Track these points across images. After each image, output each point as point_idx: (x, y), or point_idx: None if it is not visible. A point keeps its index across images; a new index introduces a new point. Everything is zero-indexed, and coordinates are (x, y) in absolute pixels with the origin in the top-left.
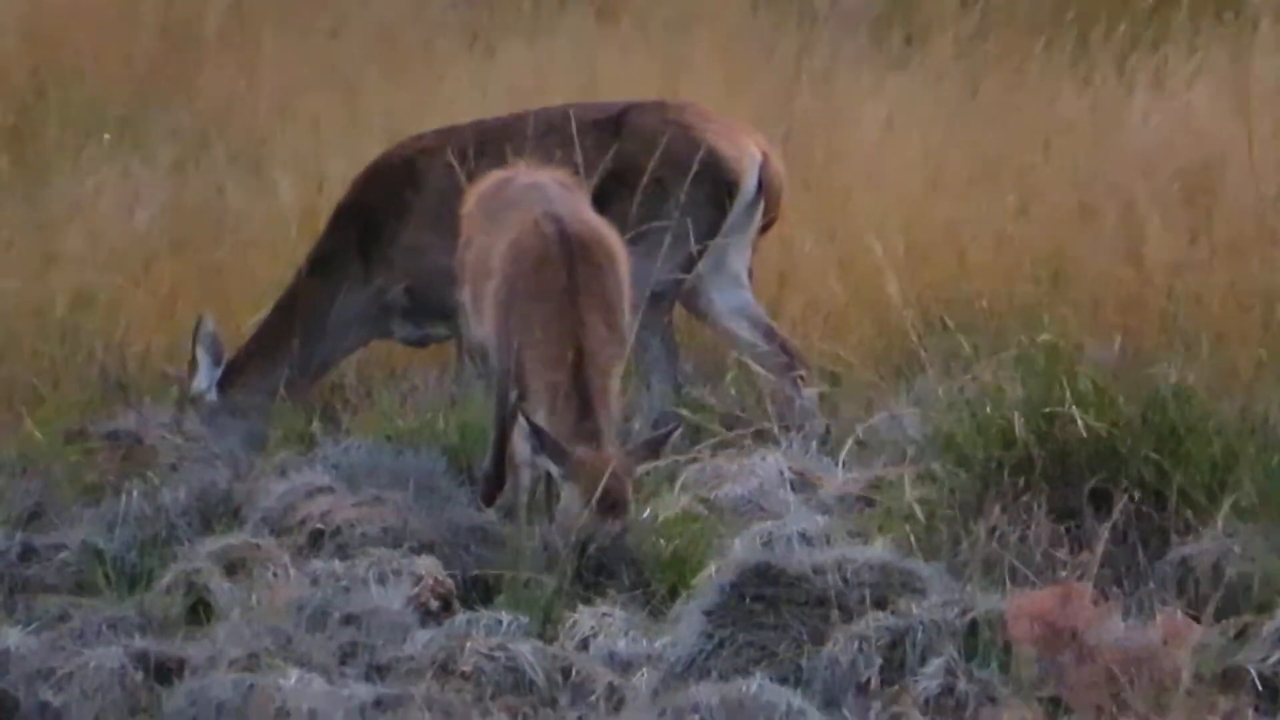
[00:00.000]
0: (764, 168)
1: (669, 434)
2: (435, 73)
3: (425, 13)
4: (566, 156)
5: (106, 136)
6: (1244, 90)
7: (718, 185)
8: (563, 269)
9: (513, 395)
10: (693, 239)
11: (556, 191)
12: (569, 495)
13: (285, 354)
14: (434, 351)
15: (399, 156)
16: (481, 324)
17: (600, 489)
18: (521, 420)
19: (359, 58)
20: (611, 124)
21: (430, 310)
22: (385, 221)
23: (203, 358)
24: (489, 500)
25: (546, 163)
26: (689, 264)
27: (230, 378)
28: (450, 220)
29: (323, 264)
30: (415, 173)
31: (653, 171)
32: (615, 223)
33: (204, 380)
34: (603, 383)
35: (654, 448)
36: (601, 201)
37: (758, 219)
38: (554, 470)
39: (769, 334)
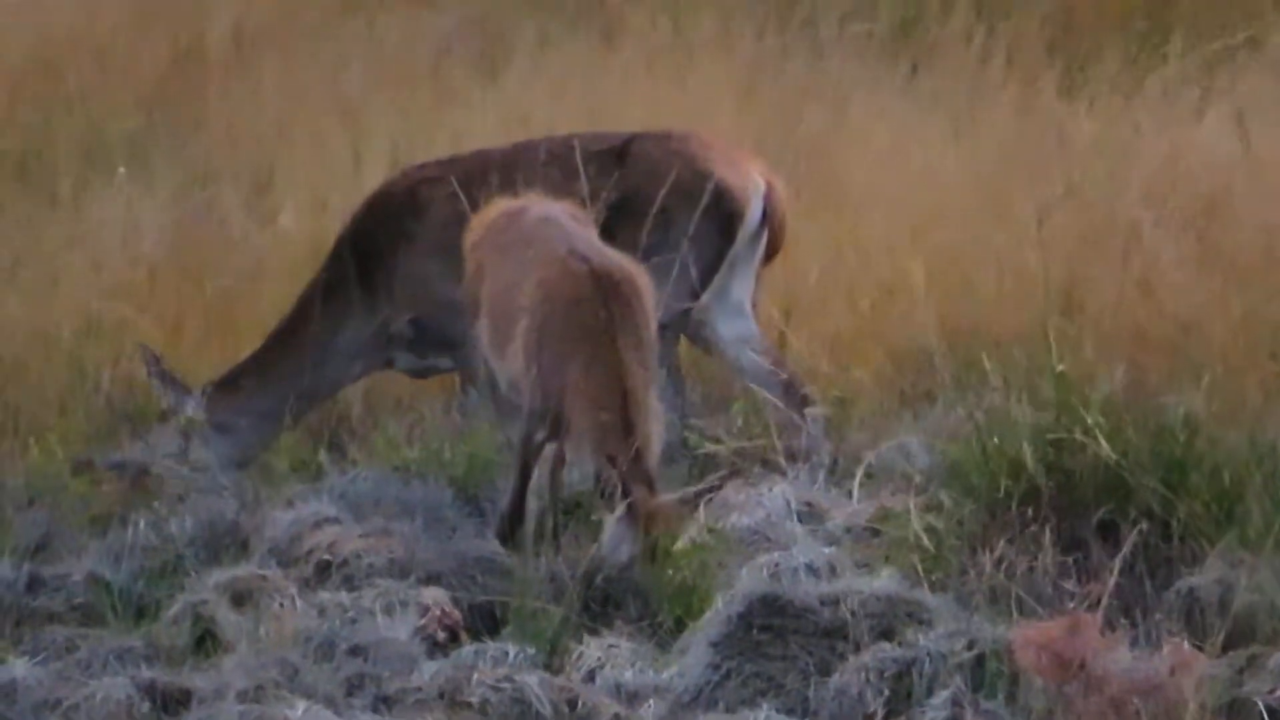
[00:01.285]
0: (768, 197)
1: (721, 484)
2: (441, 98)
3: (431, 38)
4: (571, 187)
5: (122, 170)
6: (1248, 118)
7: (723, 215)
8: (600, 309)
9: (540, 433)
10: (698, 270)
11: (574, 227)
12: (628, 538)
13: (279, 380)
14: (440, 382)
15: (401, 186)
16: (503, 360)
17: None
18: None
19: (364, 84)
20: (616, 154)
21: (434, 341)
22: (388, 251)
23: (159, 387)
24: (506, 538)
25: (551, 193)
26: (694, 295)
27: (219, 399)
28: (454, 250)
29: (325, 293)
30: (418, 202)
31: (659, 202)
32: (623, 250)
33: (181, 403)
34: (647, 424)
35: (703, 496)
36: (607, 233)
37: (761, 248)
38: (615, 513)
39: (775, 362)
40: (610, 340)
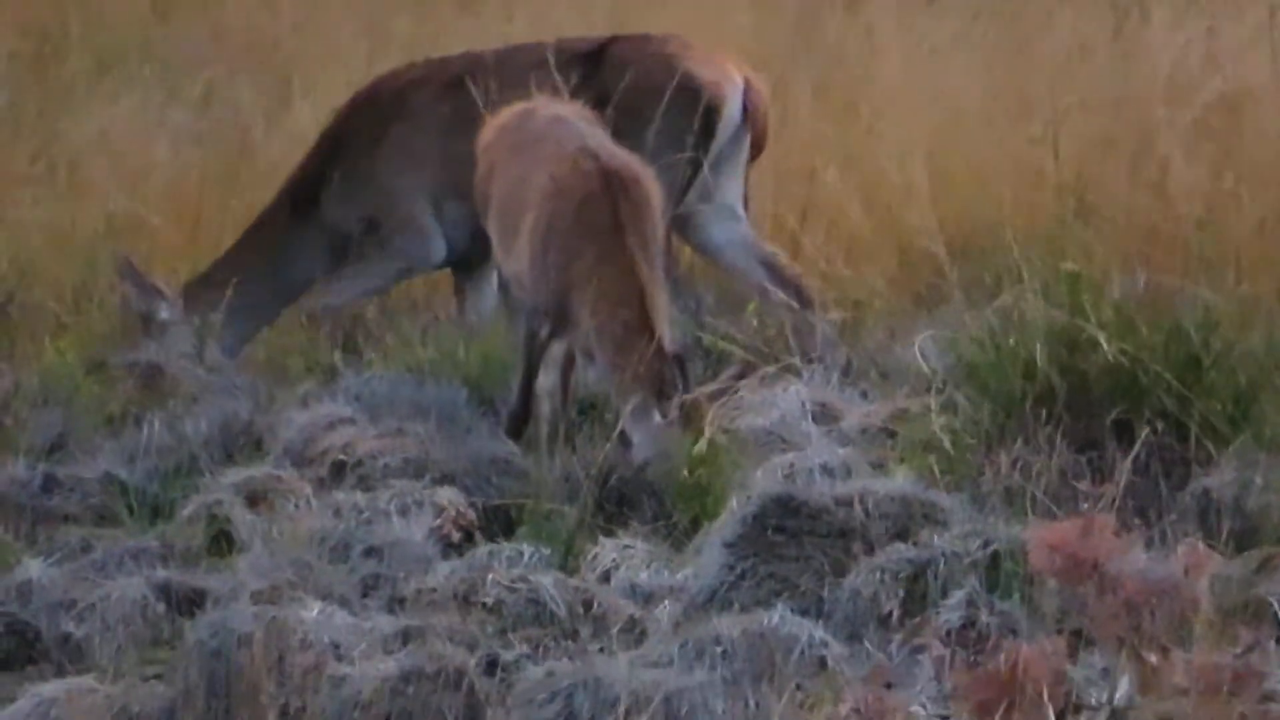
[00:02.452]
0: (747, 93)
1: (740, 379)
2: (460, 2)
3: None
4: (553, 89)
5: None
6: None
7: (703, 113)
8: (608, 207)
9: (544, 329)
10: (682, 170)
11: (585, 127)
12: (665, 435)
13: (253, 276)
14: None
15: (386, 85)
16: (509, 257)
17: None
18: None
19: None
20: (595, 57)
21: (378, 242)
22: (366, 151)
23: (134, 292)
24: (515, 434)
25: (527, 94)
26: (680, 194)
27: (194, 297)
28: (432, 153)
29: (302, 190)
30: (401, 101)
31: (636, 100)
32: None
33: (155, 308)
34: (661, 323)
35: (729, 390)
36: None
37: (745, 148)
38: (651, 411)
39: (770, 265)
40: (620, 238)
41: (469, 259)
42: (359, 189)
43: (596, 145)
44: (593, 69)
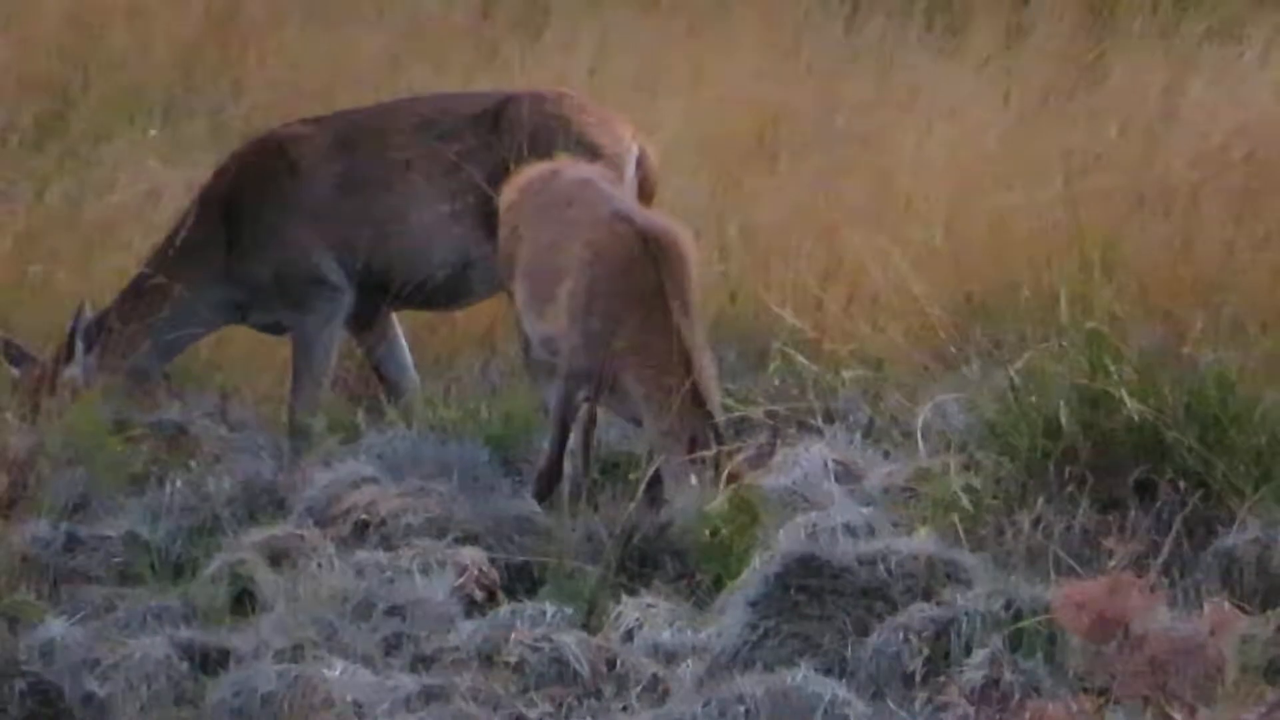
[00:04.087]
0: (641, 159)
1: (772, 444)
2: (482, 58)
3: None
4: (445, 149)
5: (153, 132)
6: None
7: None
8: (648, 272)
9: (582, 394)
10: None
11: (613, 189)
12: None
13: (142, 338)
14: (477, 340)
15: (271, 143)
16: (541, 321)
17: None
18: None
19: (404, 44)
20: (490, 118)
21: (290, 299)
22: (254, 207)
23: (79, 346)
24: (544, 496)
25: (425, 155)
26: None
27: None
28: (321, 210)
29: (187, 250)
30: (289, 160)
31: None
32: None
33: (78, 367)
34: (710, 385)
35: (765, 457)
36: (486, 198)
37: None
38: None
39: None
40: (662, 303)
41: (365, 316)
42: (263, 245)
43: (629, 209)
44: (489, 132)
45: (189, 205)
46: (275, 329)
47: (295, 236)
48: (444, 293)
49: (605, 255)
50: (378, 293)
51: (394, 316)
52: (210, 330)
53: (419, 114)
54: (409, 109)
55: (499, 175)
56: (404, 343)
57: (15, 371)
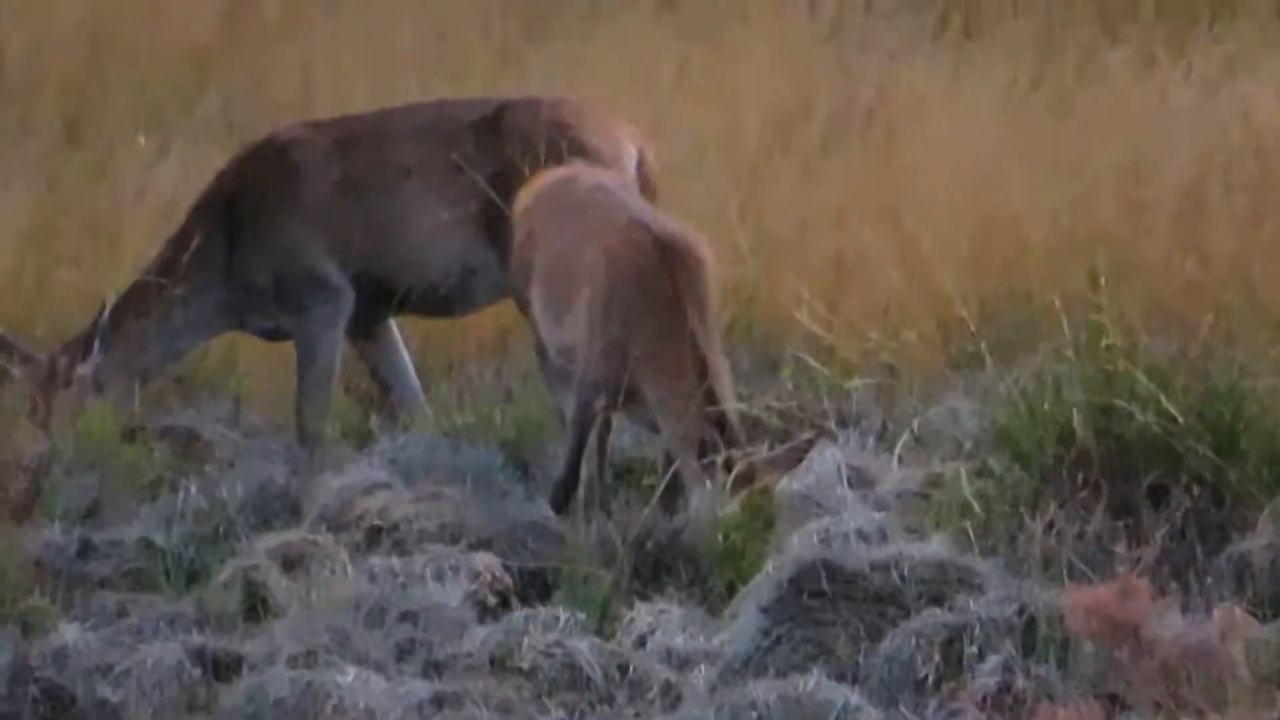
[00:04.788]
0: (640, 164)
1: (808, 444)
2: (493, 61)
3: (482, 2)
4: (444, 156)
5: (141, 139)
6: None
7: None
8: (665, 279)
9: (600, 402)
10: None
11: (628, 195)
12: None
13: (144, 341)
14: (490, 345)
15: (271, 146)
16: (559, 328)
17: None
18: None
19: (416, 46)
20: (489, 124)
21: (290, 303)
22: (255, 211)
23: (97, 348)
24: (561, 505)
25: (424, 161)
26: None
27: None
28: (322, 213)
29: (188, 254)
30: (290, 163)
31: (532, 171)
32: (506, 225)
33: (89, 368)
34: (725, 392)
35: (796, 458)
36: (486, 205)
37: None
38: (710, 480)
39: None
40: (679, 309)
41: (365, 323)
42: (263, 248)
43: (645, 215)
44: (487, 139)
45: (189, 209)
46: (274, 335)
47: (295, 239)
48: (445, 300)
49: (621, 263)
50: (378, 299)
51: (394, 324)
52: (212, 335)
53: (419, 120)
54: (409, 114)
55: (499, 182)
56: (404, 350)
57: (15, 371)
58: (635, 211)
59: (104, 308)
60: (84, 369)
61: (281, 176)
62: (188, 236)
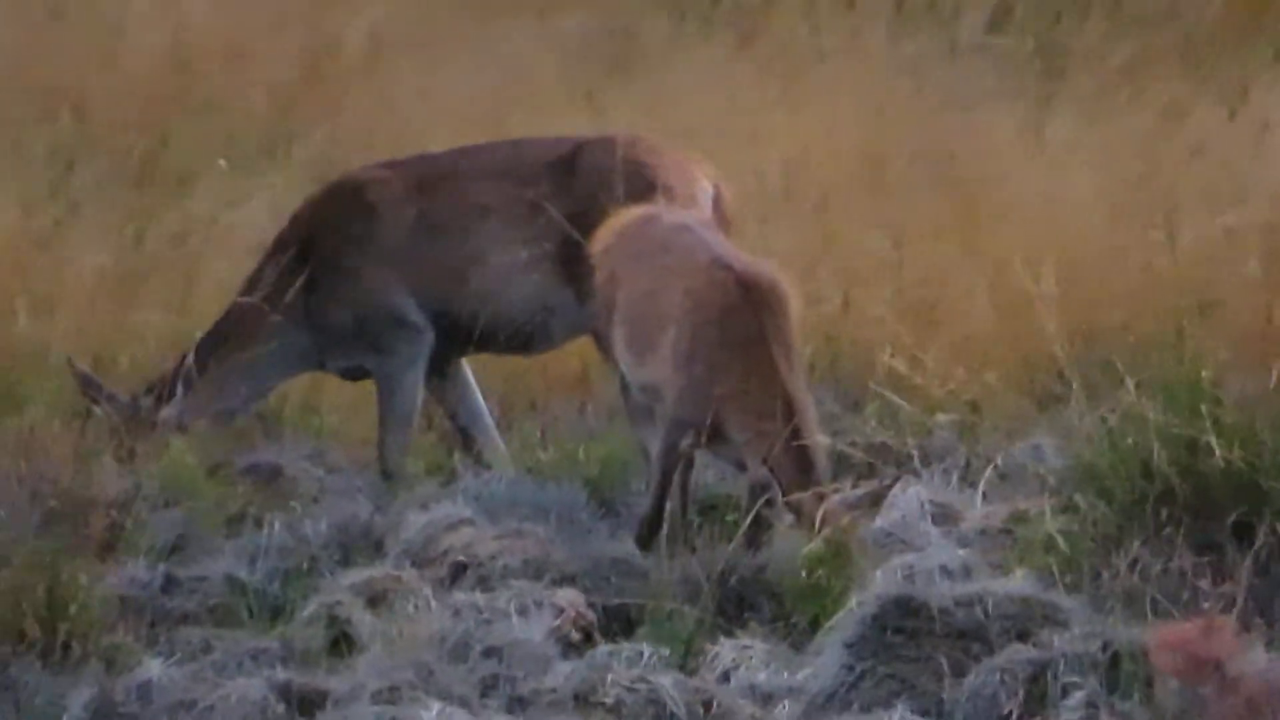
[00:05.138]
0: (716, 201)
1: (889, 487)
2: (573, 100)
3: (563, 42)
4: (521, 195)
5: (222, 162)
6: None
7: None
8: (750, 318)
9: (687, 442)
10: None
11: (710, 234)
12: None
13: (223, 383)
14: (574, 382)
15: (348, 187)
16: (644, 368)
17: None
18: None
19: (497, 88)
20: (565, 164)
21: (369, 342)
22: (333, 251)
23: (180, 390)
24: (646, 543)
25: (501, 201)
26: None
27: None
28: (399, 253)
29: (265, 297)
30: (367, 203)
31: (610, 211)
32: (583, 264)
33: (174, 410)
34: (812, 429)
35: (876, 500)
36: (569, 243)
37: None
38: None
39: None
40: (765, 349)
41: (439, 360)
42: (342, 288)
43: (728, 255)
44: (564, 178)
45: (265, 251)
46: (353, 374)
47: (374, 279)
48: (522, 338)
49: (706, 303)
50: (455, 338)
51: (466, 364)
52: (291, 375)
53: (496, 159)
54: (486, 154)
55: (575, 221)
56: (477, 390)
57: (99, 411)
58: (718, 251)
59: (187, 351)
60: (168, 412)
61: (358, 216)
62: (266, 278)
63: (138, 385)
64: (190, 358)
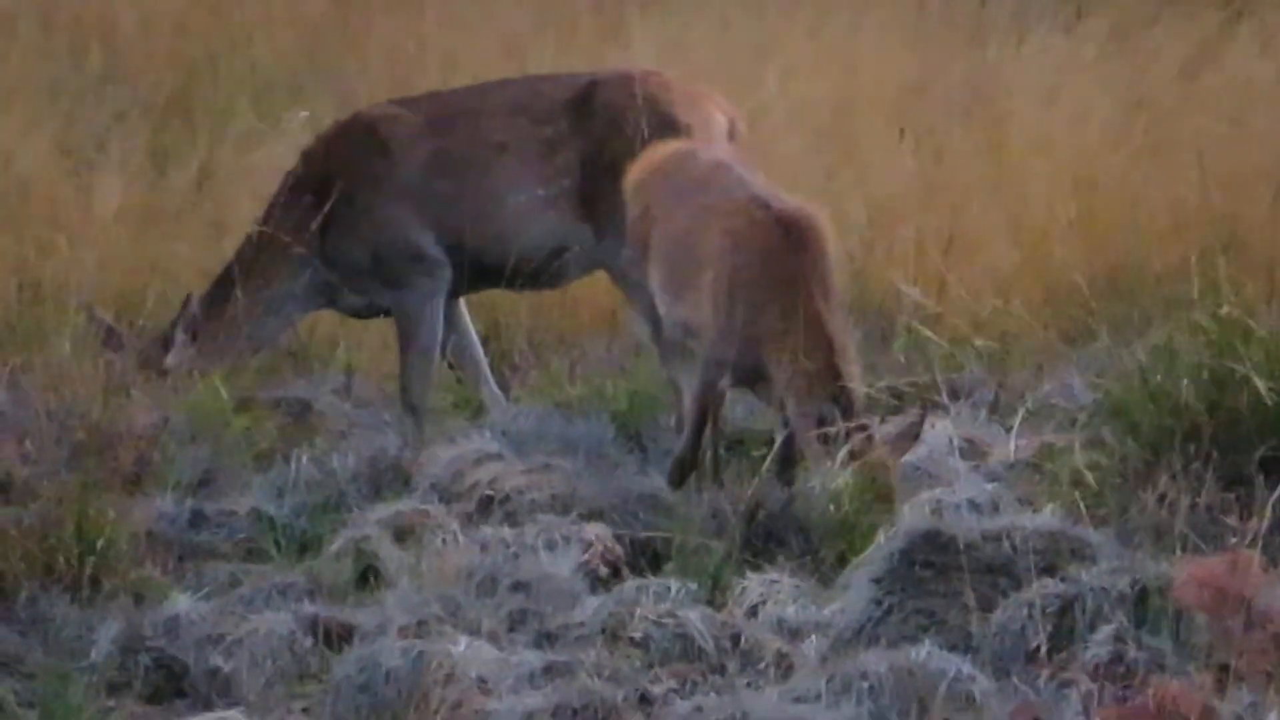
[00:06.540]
0: (730, 134)
1: (922, 422)
2: (603, 33)
3: None
4: (536, 131)
5: (304, 113)
6: None
7: None
8: (789, 258)
9: (724, 381)
10: None
11: (748, 172)
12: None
13: (237, 324)
14: (603, 318)
15: (360, 124)
16: (680, 306)
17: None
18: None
19: (526, 20)
20: (580, 101)
21: (385, 278)
22: (350, 190)
23: (180, 336)
24: (680, 482)
25: (516, 138)
26: None
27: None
28: (414, 189)
29: (279, 235)
30: (380, 140)
31: (623, 147)
32: (601, 201)
33: (175, 358)
34: (851, 370)
35: (911, 435)
36: (586, 178)
37: None
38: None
39: None
40: (805, 288)
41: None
42: (359, 225)
43: (765, 194)
44: (580, 117)
45: (276, 190)
46: (364, 312)
47: (391, 215)
48: (537, 274)
49: (745, 243)
50: (470, 275)
51: (464, 304)
52: (303, 316)
53: (511, 96)
54: (501, 92)
55: (591, 159)
56: (474, 335)
57: (111, 355)
58: (756, 189)
59: (189, 299)
60: (171, 360)
61: (372, 154)
62: (278, 217)
63: (164, 323)
64: (193, 305)
